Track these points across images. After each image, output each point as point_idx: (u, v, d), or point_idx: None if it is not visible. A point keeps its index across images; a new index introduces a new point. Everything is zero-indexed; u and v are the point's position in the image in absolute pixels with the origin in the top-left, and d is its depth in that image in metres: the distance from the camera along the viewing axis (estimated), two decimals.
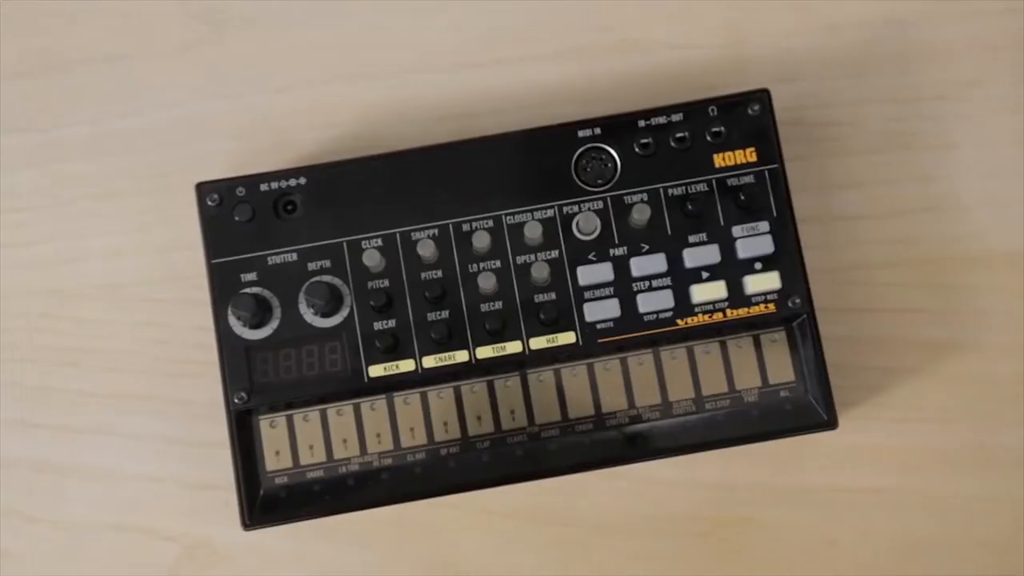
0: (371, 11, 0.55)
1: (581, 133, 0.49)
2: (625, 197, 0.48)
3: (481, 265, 0.48)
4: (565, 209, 0.49)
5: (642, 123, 0.49)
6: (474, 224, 0.48)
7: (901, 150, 0.54)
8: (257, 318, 0.48)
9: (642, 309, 0.48)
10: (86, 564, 0.52)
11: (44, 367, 0.53)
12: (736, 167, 0.49)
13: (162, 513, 0.53)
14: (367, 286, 0.48)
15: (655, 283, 0.48)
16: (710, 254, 0.48)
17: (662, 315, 0.48)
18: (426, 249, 0.48)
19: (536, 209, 0.49)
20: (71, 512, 0.53)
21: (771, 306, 0.48)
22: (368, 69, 0.55)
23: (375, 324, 0.48)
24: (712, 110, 0.49)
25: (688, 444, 0.49)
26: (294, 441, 0.49)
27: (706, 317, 0.48)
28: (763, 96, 0.49)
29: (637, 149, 0.49)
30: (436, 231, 0.49)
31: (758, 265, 0.48)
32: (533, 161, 0.49)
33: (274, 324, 0.48)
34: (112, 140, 0.54)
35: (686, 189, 0.48)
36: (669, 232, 0.48)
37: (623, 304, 0.48)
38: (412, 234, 0.49)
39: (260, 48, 0.55)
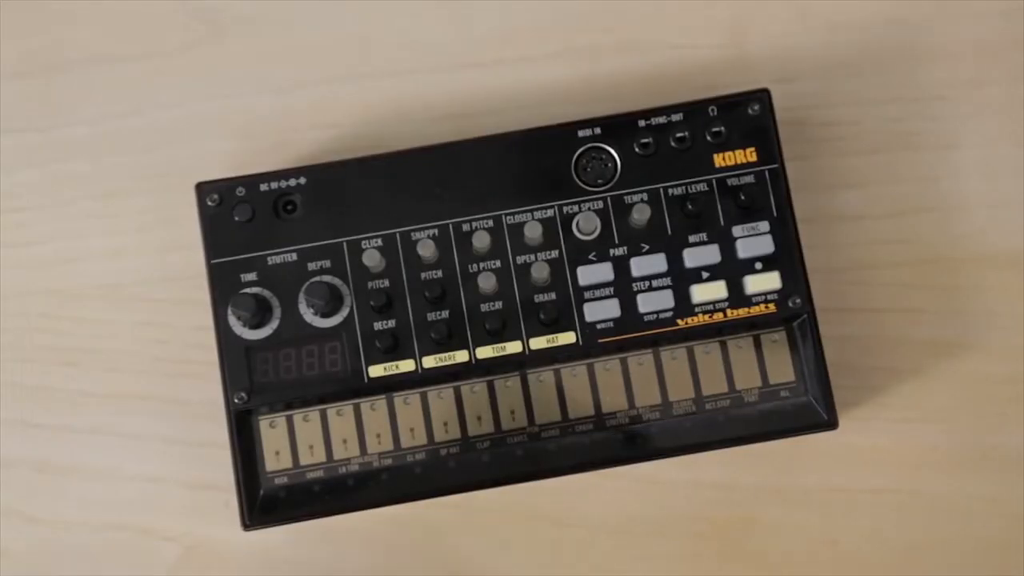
0: (371, 11, 0.55)
1: (581, 133, 0.49)
2: (625, 197, 0.48)
3: (481, 265, 0.48)
4: (565, 209, 0.49)
5: (642, 123, 0.49)
6: (474, 224, 0.48)
7: (901, 150, 0.54)
8: (257, 318, 0.48)
9: (642, 309, 0.48)
10: (86, 564, 0.52)
11: (44, 367, 0.53)
12: (736, 167, 0.49)
13: (162, 513, 0.53)
14: (367, 286, 0.48)
15: (655, 283, 0.48)
16: (710, 254, 0.48)
17: (662, 315, 0.48)
18: (426, 249, 0.48)
19: (536, 209, 0.49)
20: (71, 512, 0.53)
21: (771, 306, 0.48)
22: (368, 69, 0.55)
23: (375, 324, 0.48)
24: (712, 110, 0.49)
25: (688, 444, 0.49)
26: (294, 441, 0.49)
27: (706, 317, 0.48)
28: (763, 96, 0.49)
29: (637, 149, 0.49)
30: (436, 231, 0.48)
31: (758, 265, 0.48)
32: (533, 161, 0.49)
33: (274, 324, 0.48)
34: (112, 140, 0.54)
35: (686, 189, 0.48)
36: (669, 232, 0.48)
37: (623, 304, 0.48)
38: (412, 234, 0.49)
39: (260, 48, 0.55)
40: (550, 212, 0.49)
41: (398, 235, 0.49)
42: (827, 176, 0.53)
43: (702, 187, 0.48)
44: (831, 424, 0.48)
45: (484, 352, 0.48)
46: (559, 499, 0.52)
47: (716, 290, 0.48)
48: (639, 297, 0.48)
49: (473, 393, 0.49)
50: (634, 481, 0.52)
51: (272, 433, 0.49)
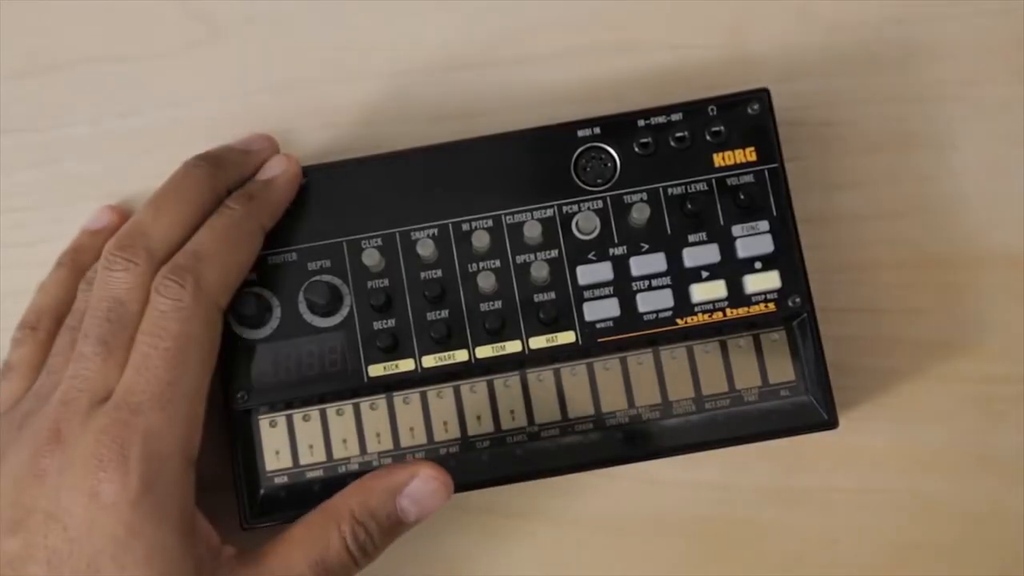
0: (371, 11, 0.55)
1: (581, 133, 0.49)
2: (625, 197, 0.48)
3: (481, 265, 0.48)
4: (565, 209, 0.49)
5: (642, 123, 0.49)
6: (474, 224, 0.48)
7: (901, 150, 0.54)
8: (257, 318, 0.48)
9: (642, 309, 0.48)
10: None
11: None
12: (736, 167, 0.49)
13: None
14: (367, 286, 0.48)
15: (655, 282, 0.48)
16: (710, 253, 0.48)
17: (662, 315, 0.48)
18: (426, 249, 0.48)
19: (536, 209, 0.49)
20: None
21: (771, 306, 0.48)
22: (368, 69, 0.55)
23: (375, 324, 0.48)
24: (712, 110, 0.49)
25: (688, 444, 0.49)
26: (294, 441, 0.49)
27: (706, 316, 0.48)
28: (763, 96, 0.49)
29: (637, 149, 0.49)
30: (436, 231, 0.49)
31: (758, 264, 0.48)
32: (533, 161, 0.49)
33: (274, 324, 0.48)
34: (112, 140, 0.54)
35: (686, 189, 0.48)
36: (669, 232, 0.48)
37: (623, 304, 0.48)
38: (412, 234, 0.49)
39: (260, 48, 0.55)
40: (549, 212, 0.49)
41: (398, 235, 0.49)
42: (827, 176, 0.53)
43: (702, 187, 0.48)
44: (831, 424, 0.48)
45: (484, 351, 0.48)
46: (559, 499, 0.52)
47: (716, 289, 0.48)
48: (639, 297, 0.48)
49: (473, 393, 0.49)
50: (634, 481, 0.52)
51: (272, 433, 0.49)
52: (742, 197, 0.48)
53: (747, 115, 0.49)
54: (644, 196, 0.48)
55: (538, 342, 0.48)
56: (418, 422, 0.49)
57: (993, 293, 0.53)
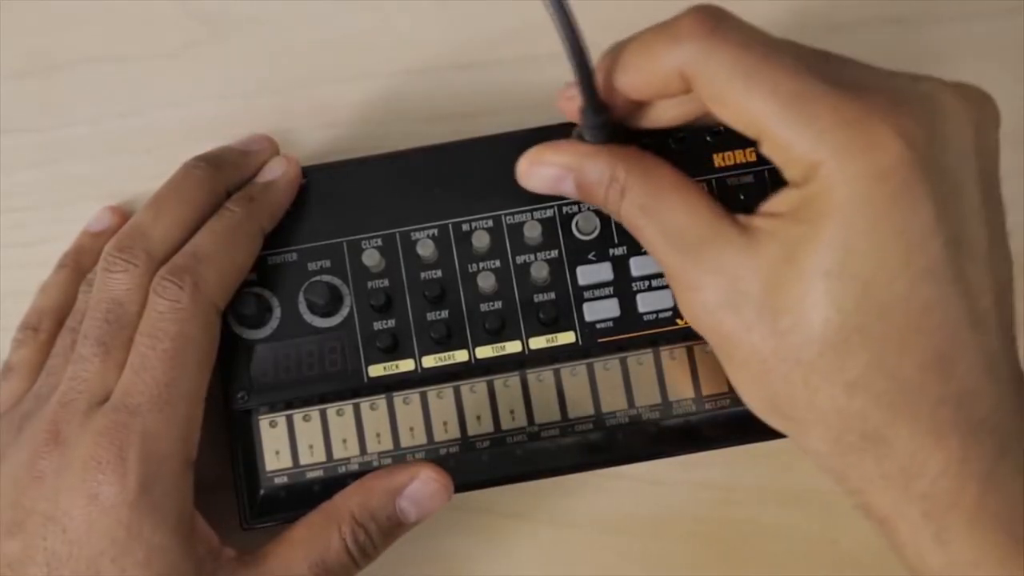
0: (370, 11, 0.55)
1: None
2: None
3: (481, 265, 0.48)
4: (564, 209, 0.49)
5: None
6: (474, 224, 0.48)
7: None
8: (257, 318, 0.48)
9: (642, 309, 0.48)
10: None
11: None
12: (736, 167, 0.49)
13: None
14: (367, 286, 0.48)
15: (655, 283, 0.48)
16: None
17: (662, 315, 0.48)
18: (426, 249, 0.48)
19: (536, 209, 0.49)
20: None
21: None
22: (368, 69, 0.55)
23: (375, 324, 0.48)
24: None
25: (688, 444, 0.49)
26: (294, 441, 0.49)
27: None
28: None
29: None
30: (436, 231, 0.49)
31: None
32: None
33: (274, 324, 0.48)
34: (112, 140, 0.54)
35: None
36: None
37: (623, 304, 0.48)
38: (412, 234, 0.49)
39: (260, 48, 0.55)
40: (549, 212, 0.49)
41: (398, 235, 0.49)
42: None
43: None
44: None
45: (484, 352, 0.48)
46: (559, 499, 0.52)
47: None
48: (639, 297, 0.48)
49: (473, 393, 0.49)
50: (634, 481, 0.52)
51: (272, 433, 0.49)
52: (742, 198, 0.48)
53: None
54: None
55: (538, 342, 0.48)
56: (418, 422, 0.49)
57: None
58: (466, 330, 0.48)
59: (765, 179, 0.48)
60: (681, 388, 0.49)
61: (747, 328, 0.39)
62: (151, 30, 0.55)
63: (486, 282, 0.47)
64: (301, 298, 0.48)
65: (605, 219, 0.48)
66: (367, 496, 0.45)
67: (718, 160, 0.49)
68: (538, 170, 0.44)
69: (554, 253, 0.48)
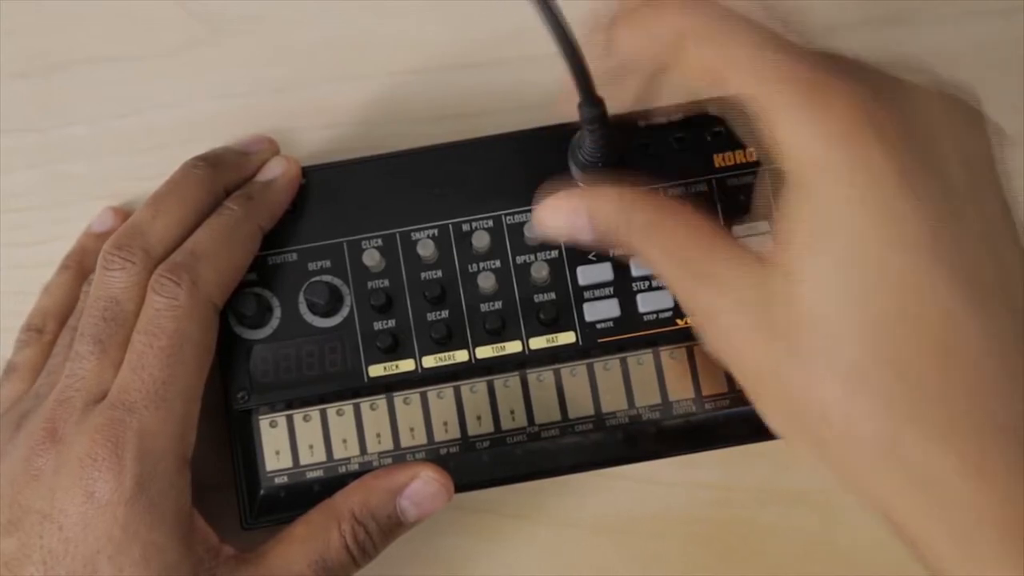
0: (370, 11, 0.55)
1: None
2: None
3: (481, 265, 0.48)
4: None
5: (642, 123, 0.49)
6: (474, 224, 0.48)
7: None
8: (257, 318, 0.48)
9: (642, 309, 0.48)
10: None
11: None
12: (736, 167, 0.49)
13: None
14: (367, 286, 0.48)
15: (655, 283, 0.48)
16: None
17: (662, 315, 0.48)
18: (426, 249, 0.48)
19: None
20: None
21: None
22: (368, 69, 0.55)
23: (375, 324, 0.48)
24: (712, 110, 0.49)
25: (688, 444, 0.49)
26: (294, 441, 0.49)
27: None
28: None
29: (637, 149, 0.49)
30: (436, 231, 0.49)
31: None
32: (533, 161, 0.49)
33: (274, 324, 0.48)
34: (112, 140, 0.54)
35: (686, 189, 0.48)
36: None
37: (623, 304, 0.48)
38: (412, 234, 0.49)
39: (260, 48, 0.55)
40: None
41: (398, 235, 0.49)
42: None
43: (701, 187, 0.48)
44: None
45: (484, 352, 0.48)
46: (559, 499, 0.52)
47: None
48: (639, 297, 0.48)
49: (473, 393, 0.49)
50: (634, 481, 0.52)
51: (272, 433, 0.49)
52: (742, 198, 0.48)
53: (747, 115, 0.49)
54: None
55: (538, 342, 0.48)
56: (418, 422, 0.49)
57: None
58: (466, 330, 0.48)
59: (765, 179, 0.48)
60: (681, 388, 0.49)
61: (759, 347, 0.37)
62: (151, 30, 0.55)
63: (486, 282, 0.47)
64: (301, 298, 0.48)
65: None
66: (368, 495, 0.45)
67: (718, 160, 0.49)
68: (551, 215, 0.43)
69: (554, 253, 0.48)
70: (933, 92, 0.39)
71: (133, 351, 0.43)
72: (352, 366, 0.48)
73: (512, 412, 0.49)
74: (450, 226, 0.49)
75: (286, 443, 0.49)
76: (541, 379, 0.49)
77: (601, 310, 0.48)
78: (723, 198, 0.48)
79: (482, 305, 0.48)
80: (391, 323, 0.48)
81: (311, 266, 0.48)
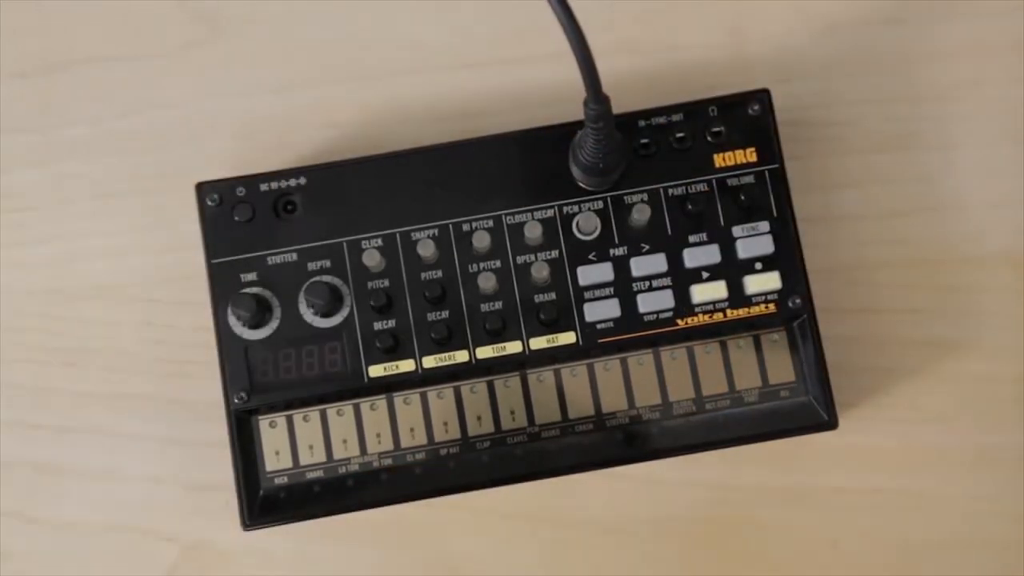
0: (371, 11, 0.55)
1: None
2: (625, 197, 0.48)
3: (481, 265, 0.48)
4: (565, 209, 0.49)
5: (642, 123, 0.49)
6: (474, 224, 0.48)
7: (901, 150, 0.54)
8: (257, 318, 0.48)
9: (642, 309, 0.48)
10: (86, 565, 0.52)
11: (44, 367, 0.53)
12: (736, 167, 0.49)
13: (162, 514, 0.52)
14: (367, 286, 0.48)
15: (655, 283, 0.48)
16: (710, 254, 0.48)
17: (662, 315, 0.48)
18: (426, 249, 0.48)
19: (536, 209, 0.49)
20: (71, 513, 0.53)
21: (771, 306, 0.48)
22: (368, 69, 0.55)
23: (375, 324, 0.48)
24: (712, 110, 0.49)
25: (688, 444, 0.49)
26: (294, 441, 0.49)
27: (706, 317, 0.48)
28: (763, 96, 0.49)
29: (637, 149, 0.49)
30: (436, 231, 0.49)
31: (758, 265, 0.48)
32: (533, 161, 0.49)
33: (274, 324, 0.48)
34: (112, 140, 0.54)
35: (686, 189, 0.48)
36: (669, 232, 0.48)
37: (623, 304, 0.48)
38: (412, 234, 0.49)
39: (260, 48, 0.55)
40: (550, 212, 0.49)
41: (398, 235, 0.49)
42: (827, 176, 0.53)
43: (702, 187, 0.48)
44: (831, 424, 0.48)
45: (484, 352, 0.48)
46: (559, 499, 0.52)
47: (716, 290, 0.48)
48: (639, 297, 0.48)
49: (473, 393, 0.49)
50: (634, 481, 0.52)
51: (272, 433, 0.49)
52: (743, 198, 0.48)
53: (748, 116, 0.49)
54: (645, 197, 0.48)
55: (538, 343, 0.48)
56: (418, 422, 0.49)
57: (992, 293, 0.53)
58: (466, 330, 0.48)
59: (766, 179, 0.48)
60: (681, 388, 0.49)
61: None
62: (151, 30, 0.55)
63: (487, 282, 0.47)
64: (301, 298, 0.48)
65: (605, 220, 0.48)
66: None
67: (718, 160, 0.49)
68: None
69: (554, 253, 0.48)
70: None
71: None
72: (352, 366, 0.48)
73: (512, 412, 0.49)
74: (450, 226, 0.49)
75: (286, 443, 0.49)
76: (541, 379, 0.49)
77: (601, 310, 0.48)
78: (723, 198, 0.48)
79: (482, 305, 0.48)
80: (391, 323, 0.48)
81: (311, 266, 0.48)
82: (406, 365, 0.48)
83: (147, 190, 0.54)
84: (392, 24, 0.55)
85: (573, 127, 0.49)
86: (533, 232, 0.48)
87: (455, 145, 0.49)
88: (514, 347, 0.48)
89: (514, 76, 0.54)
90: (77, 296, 0.54)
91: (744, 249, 0.48)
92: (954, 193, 0.53)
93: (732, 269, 0.48)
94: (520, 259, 0.48)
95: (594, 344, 0.48)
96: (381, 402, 0.49)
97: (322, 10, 0.55)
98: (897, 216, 0.53)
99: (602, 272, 0.48)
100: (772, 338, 0.49)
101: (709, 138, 0.49)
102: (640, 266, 0.48)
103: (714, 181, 0.48)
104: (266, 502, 0.49)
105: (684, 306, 0.48)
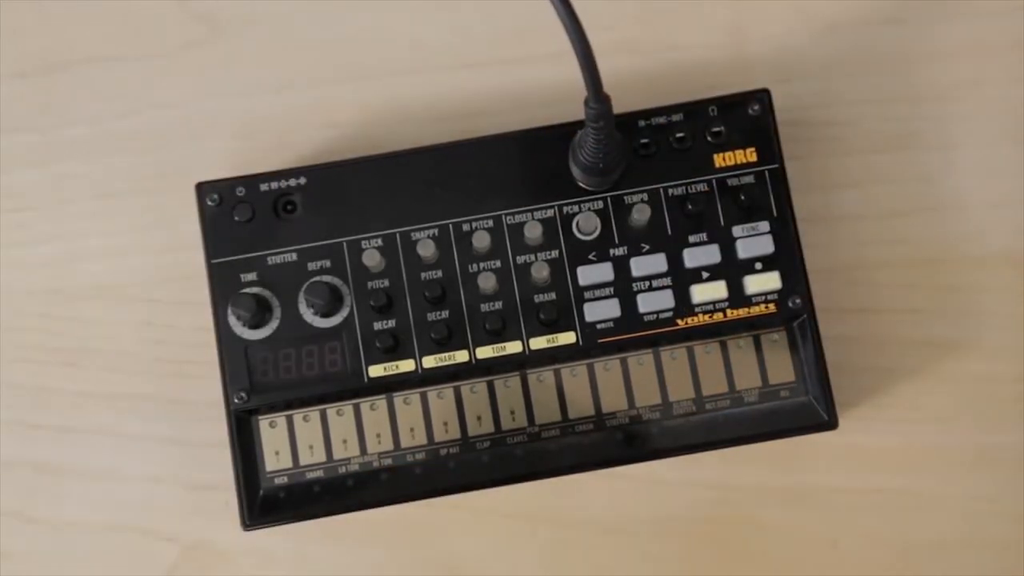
0: (371, 11, 0.55)
1: None
2: (625, 197, 0.48)
3: (481, 265, 0.48)
4: (565, 209, 0.49)
5: (642, 123, 0.49)
6: (474, 224, 0.48)
7: (901, 150, 0.54)
8: (257, 318, 0.48)
9: (642, 309, 0.48)
10: (85, 565, 0.52)
11: (44, 367, 0.53)
12: (736, 167, 0.49)
13: (162, 514, 0.52)
14: (367, 286, 0.48)
15: (655, 283, 0.48)
16: (710, 254, 0.48)
17: (662, 315, 0.48)
18: (426, 249, 0.48)
19: (536, 209, 0.49)
20: (71, 513, 0.53)
21: (771, 306, 0.48)
22: (368, 69, 0.55)
23: (375, 324, 0.48)
24: (712, 110, 0.49)
25: (688, 444, 0.49)
26: (294, 441, 0.49)
27: (706, 317, 0.48)
28: (763, 96, 0.49)
29: (637, 149, 0.49)
30: (436, 231, 0.49)
31: (758, 265, 0.48)
32: (533, 161, 0.49)
33: (274, 324, 0.48)
34: (112, 140, 0.54)
35: (686, 189, 0.48)
36: (669, 232, 0.48)
37: (623, 304, 0.48)
38: (412, 234, 0.49)
39: (260, 48, 0.55)
40: (550, 212, 0.49)
41: (398, 235, 0.49)
42: (827, 176, 0.53)
43: (702, 187, 0.48)
44: (831, 424, 0.48)
45: (484, 352, 0.48)
46: (559, 499, 0.52)
47: (716, 290, 0.48)
48: (639, 297, 0.48)
49: (473, 393, 0.49)
50: (634, 481, 0.52)
51: (272, 433, 0.49)
52: (743, 198, 0.48)
53: (748, 115, 0.49)
54: (645, 197, 0.48)
55: (538, 343, 0.48)
56: (418, 422, 0.49)
57: (992, 293, 0.53)
58: (466, 330, 0.48)
59: (766, 179, 0.48)
60: (681, 388, 0.49)
61: None
62: (151, 30, 0.55)
63: (486, 282, 0.47)
64: (301, 298, 0.48)
65: (605, 220, 0.48)
66: None
67: (718, 160, 0.49)
68: None
69: (554, 253, 0.48)
70: None
71: None
72: (352, 366, 0.48)
73: (512, 412, 0.49)
74: (450, 226, 0.49)
75: (286, 443, 0.49)
76: (541, 379, 0.49)
77: (601, 310, 0.48)
78: (723, 198, 0.48)
79: (482, 305, 0.48)
80: (391, 323, 0.48)
81: (311, 266, 0.48)
82: (406, 365, 0.48)
83: (147, 190, 0.54)
84: (392, 24, 0.55)
85: (573, 127, 0.49)
86: (533, 232, 0.48)
87: (455, 145, 0.49)
88: (514, 347, 0.48)
89: (514, 76, 0.54)
90: (77, 296, 0.54)
91: (744, 249, 0.48)
92: (954, 193, 0.53)
93: (732, 269, 0.48)
94: (520, 259, 0.48)
95: (594, 344, 0.48)
96: (381, 402, 0.49)
97: (322, 10, 0.55)
98: (897, 216, 0.53)
99: (602, 272, 0.48)
100: (772, 338, 0.49)
101: (709, 138, 0.49)
102: (640, 266, 0.48)
103: (714, 181, 0.48)
104: (266, 502, 0.49)
105: (684, 306, 0.48)
